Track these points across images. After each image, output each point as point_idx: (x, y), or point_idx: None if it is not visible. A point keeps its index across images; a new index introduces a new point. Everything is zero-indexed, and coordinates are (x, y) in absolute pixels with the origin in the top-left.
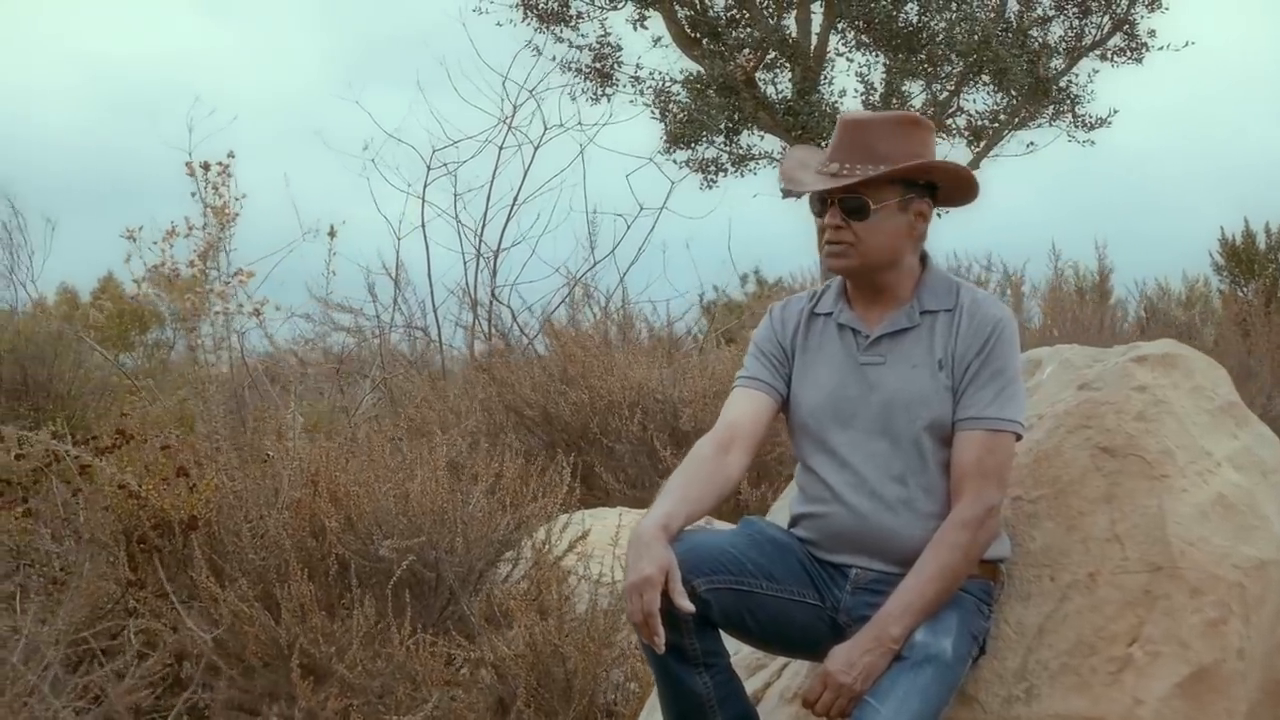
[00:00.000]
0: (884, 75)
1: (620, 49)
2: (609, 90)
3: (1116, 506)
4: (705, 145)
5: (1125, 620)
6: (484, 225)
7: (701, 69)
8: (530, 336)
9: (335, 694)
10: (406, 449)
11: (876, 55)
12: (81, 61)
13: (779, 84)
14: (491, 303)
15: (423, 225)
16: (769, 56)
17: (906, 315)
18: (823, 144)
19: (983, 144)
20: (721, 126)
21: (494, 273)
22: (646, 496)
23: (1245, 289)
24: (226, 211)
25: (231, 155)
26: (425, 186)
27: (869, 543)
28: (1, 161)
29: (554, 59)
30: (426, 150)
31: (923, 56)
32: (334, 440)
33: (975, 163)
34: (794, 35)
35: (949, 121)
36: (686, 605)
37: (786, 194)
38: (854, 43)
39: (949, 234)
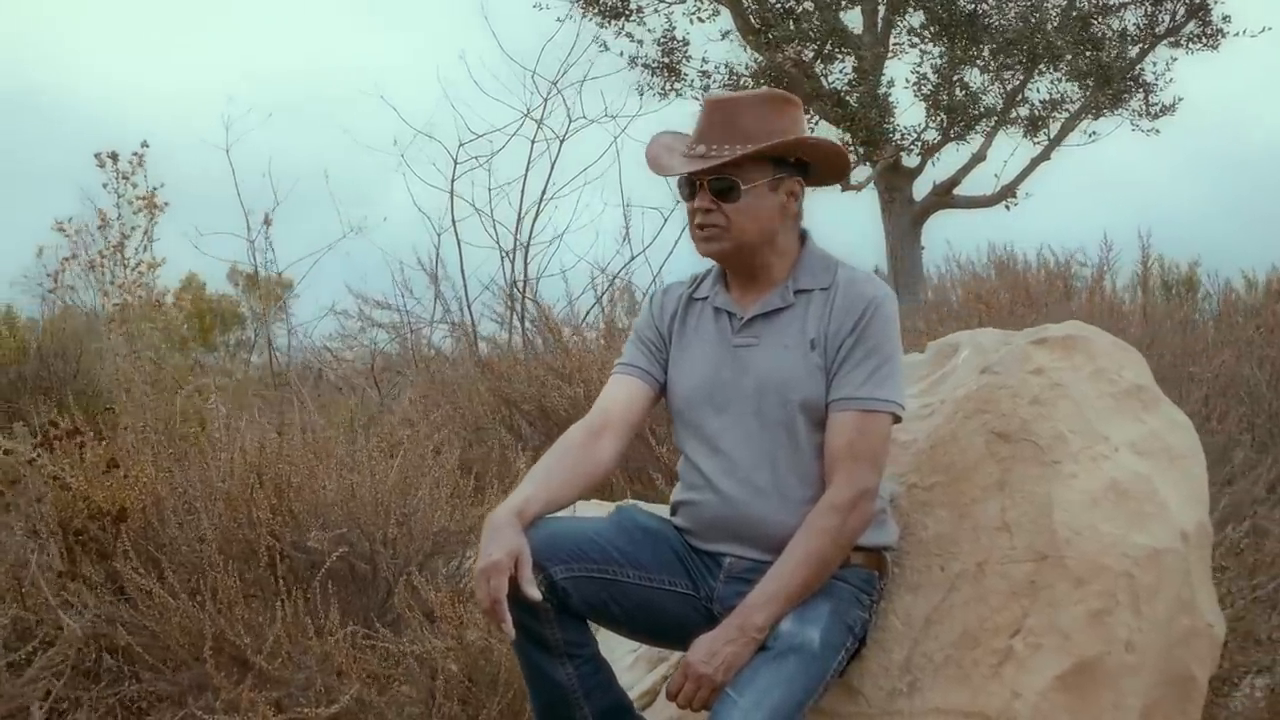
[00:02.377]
0: (938, 65)
1: (687, 43)
2: (676, 85)
3: (1008, 494)
4: None
5: (1009, 611)
6: (519, 219)
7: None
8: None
9: (253, 686)
10: (364, 441)
11: (935, 45)
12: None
13: (833, 75)
14: (523, 298)
15: (453, 220)
16: (826, 48)
17: (780, 295)
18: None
19: (1040, 134)
20: None
21: (525, 267)
22: (646, 490)
23: None
24: (152, 200)
25: (145, 145)
26: (453, 181)
27: (741, 530)
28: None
29: (621, 54)
30: (454, 145)
31: (982, 46)
32: (287, 431)
33: (1046, 153)
34: (845, 27)
35: (1013, 112)
36: (533, 593)
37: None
38: (913, 33)
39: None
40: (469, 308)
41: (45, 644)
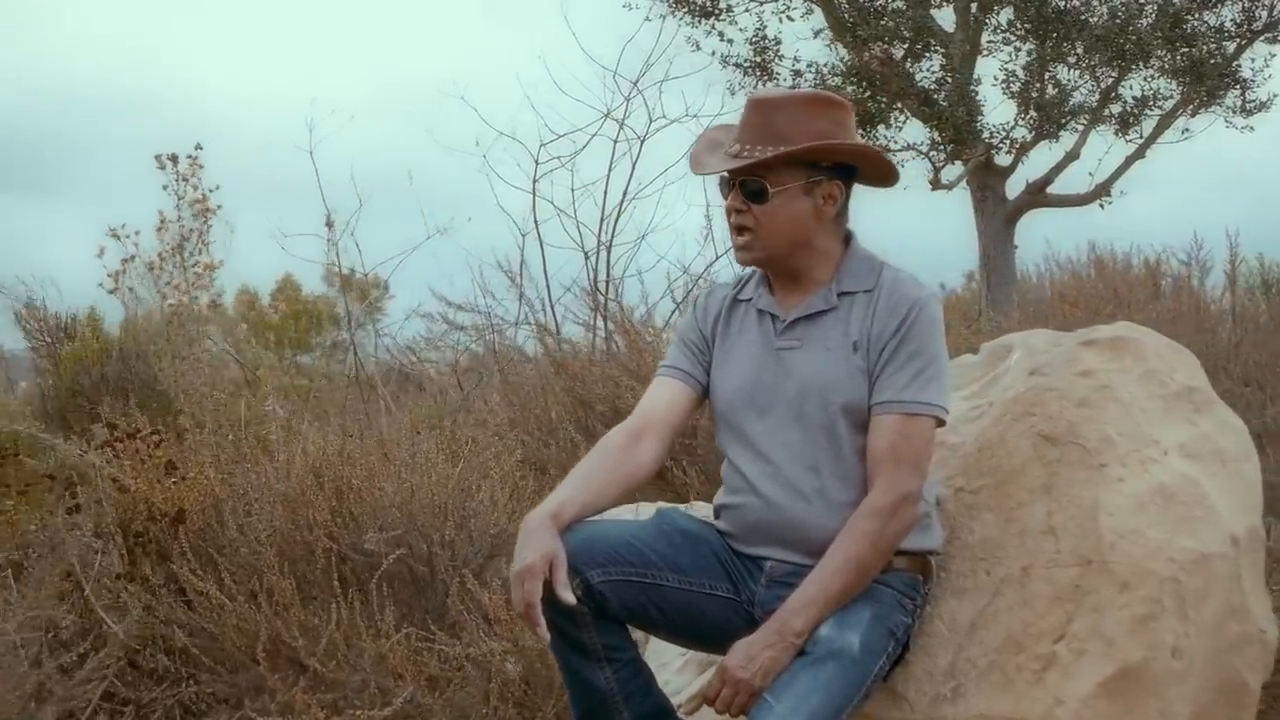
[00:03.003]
0: (1026, 62)
1: (779, 42)
2: (768, 84)
3: (1054, 497)
4: None
5: (1054, 616)
6: (601, 220)
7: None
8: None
9: (308, 688)
10: (427, 443)
11: (1026, 43)
12: None
13: (921, 73)
14: (605, 299)
15: (535, 221)
16: (916, 46)
17: (823, 298)
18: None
19: (1132, 131)
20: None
21: (608, 268)
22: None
23: None
24: (205, 204)
25: (199, 147)
26: (535, 182)
27: (782, 534)
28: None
29: (712, 53)
30: (535, 146)
31: (1074, 43)
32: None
33: (1141, 151)
34: (936, 24)
35: (1106, 110)
36: (567, 597)
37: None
38: (1002, 30)
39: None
40: (551, 309)
41: (96, 646)
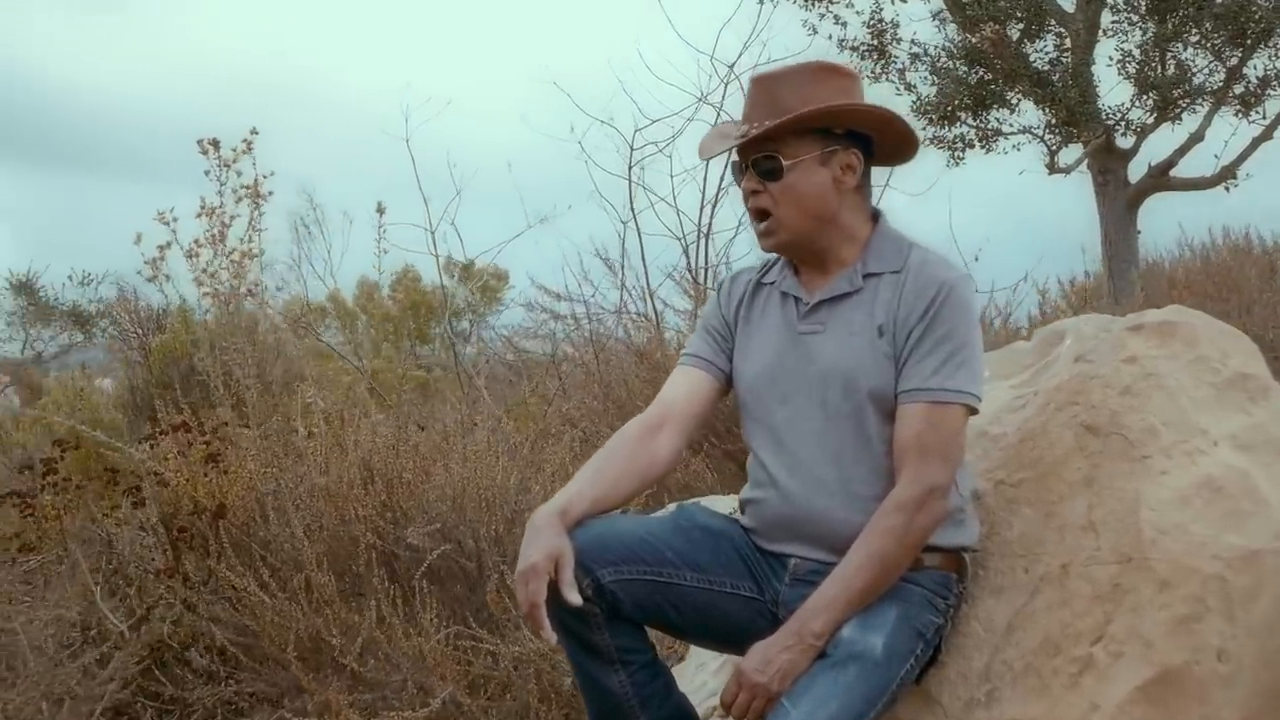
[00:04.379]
0: (1141, 42)
1: (897, 25)
2: (888, 68)
3: (1095, 491)
4: (962, 122)
5: (1092, 617)
6: (701, 207)
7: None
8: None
9: (348, 687)
10: (482, 436)
11: (1146, 22)
12: None
13: (1036, 54)
14: (704, 287)
15: (632, 209)
16: (1033, 26)
17: (848, 279)
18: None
19: (1254, 112)
20: (965, 101)
21: (707, 256)
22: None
23: None
24: (256, 190)
25: (255, 131)
26: (630, 169)
27: (805, 529)
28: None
29: (829, 37)
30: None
31: (1197, 22)
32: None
33: (1268, 133)
34: (1053, 4)
35: (1230, 92)
36: (573, 598)
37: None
38: (1118, 10)
39: None
40: (651, 298)
41: (119, 645)
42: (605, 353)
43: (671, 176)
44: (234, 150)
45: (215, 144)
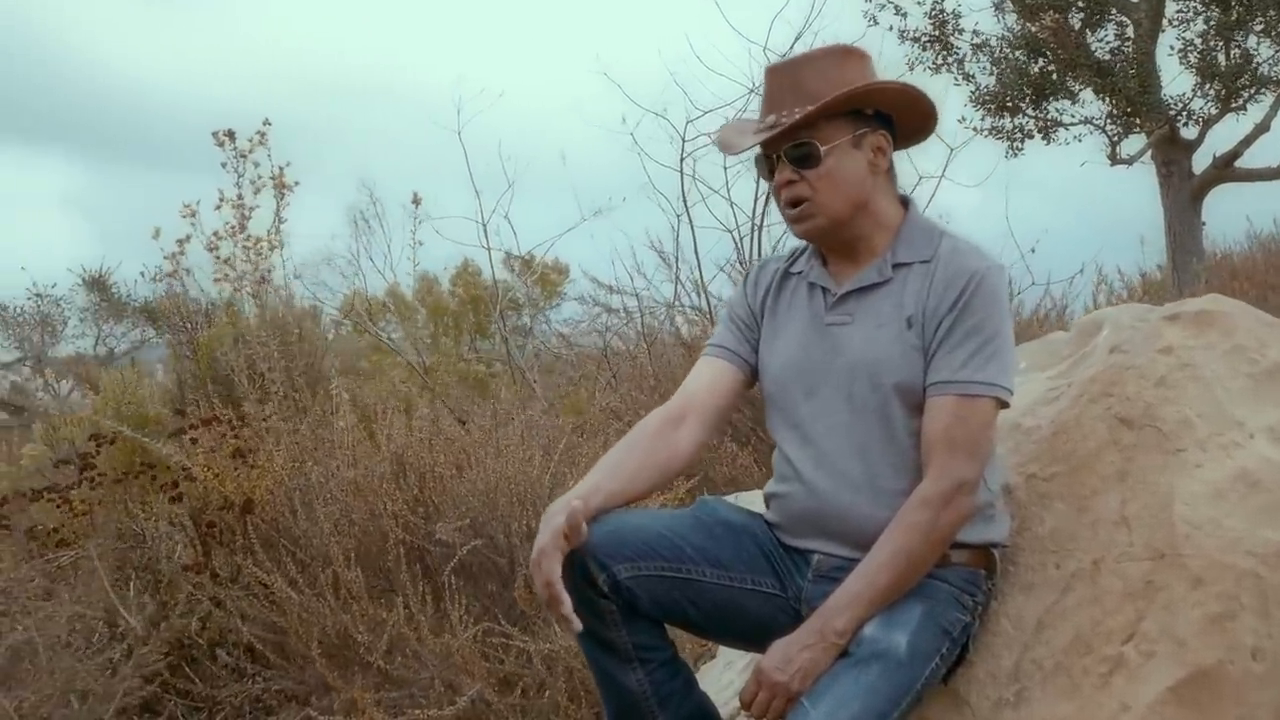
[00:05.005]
0: (1203, 30)
1: (959, 15)
2: (949, 58)
3: (1129, 485)
4: (1022, 113)
5: (1124, 614)
6: (755, 199)
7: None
8: None
9: (373, 685)
10: (515, 430)
11: (1211, 10)
12: None
13: (1097, 43)
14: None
15: (684, 200)
16: (1094, 15)
17: (877, 269)
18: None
19: None
20: (1025, 91)
21: (760, 249)
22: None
23: None
24: (281, 180)
25: (268, 123)
26: (681, 160)
27: (829, 525)
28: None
29: (890, 28)
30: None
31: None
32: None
33: None
34: None
35: None
36: (576, 624)
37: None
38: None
39: None
40: (705, 291)
41: (142, 642)
42: (656, 346)
43: (725, 168)
44: (249, 141)
45: (231, 135)
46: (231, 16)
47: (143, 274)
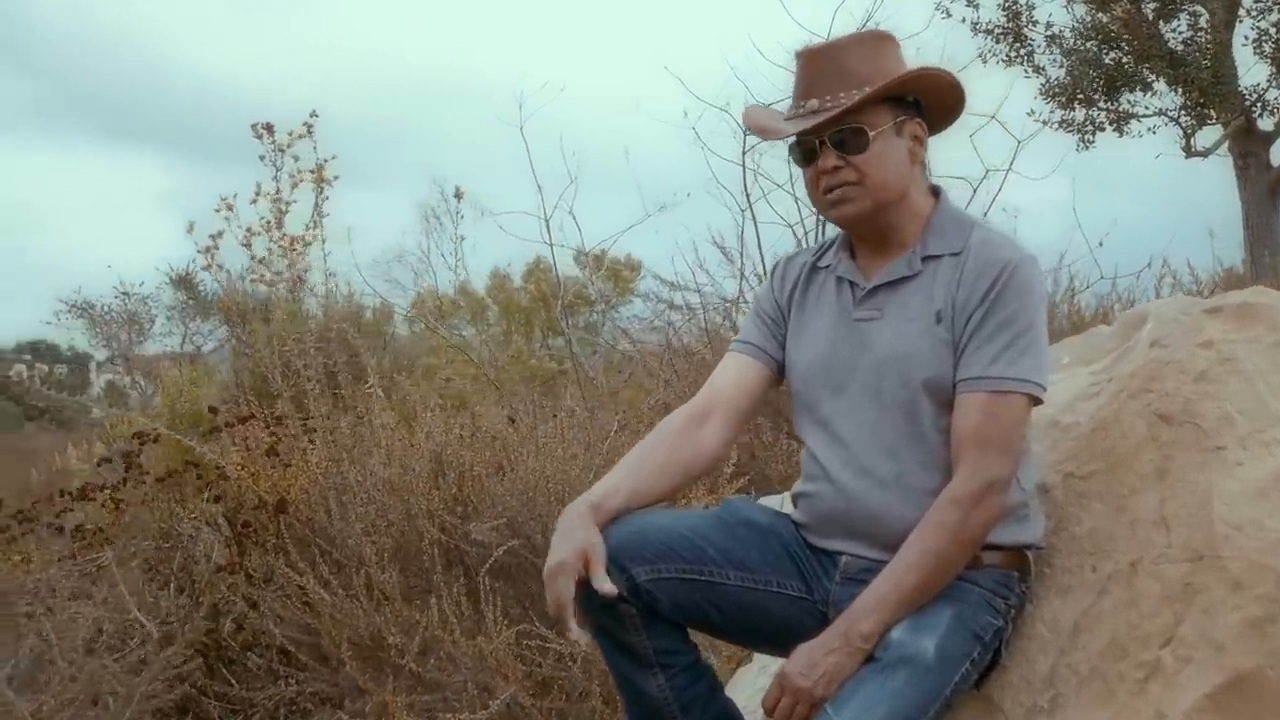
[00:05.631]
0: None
1: (1033, 6)
2: (1022, 50)
3: (1168, 484)
4: (1095, 105)
5: (1161, 618)
6: None
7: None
8: None
9: (406, 688)
10: (561, 427)
11: None
12: None
13: (1170, 33)
14: None
15: (746, 196)
16: (1168, 5)
17: (907, 262)
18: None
19: None
20: (1097, 83)
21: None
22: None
23: None
24: (321, 174)
25: (315, 115)
26: (744, 154)
27: (857, 525)
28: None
29: (963, 20)
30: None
31: None
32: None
33: None
34: None
35: None
36: (607, 588)
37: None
38: None
39: None
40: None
41: (166, 642)
42: (718, 343)
43: (788, 163)
44: (290, 135)
45: (269, 129)
46: (315, 17)
47: (228, 272)
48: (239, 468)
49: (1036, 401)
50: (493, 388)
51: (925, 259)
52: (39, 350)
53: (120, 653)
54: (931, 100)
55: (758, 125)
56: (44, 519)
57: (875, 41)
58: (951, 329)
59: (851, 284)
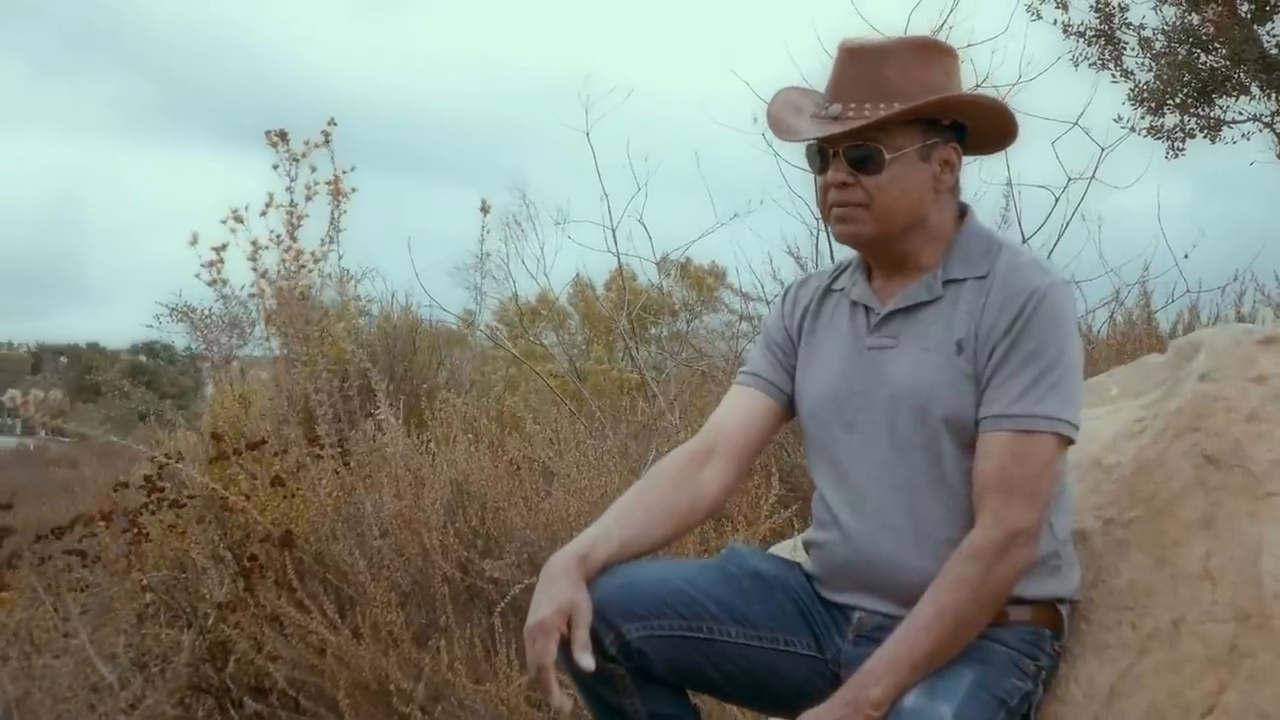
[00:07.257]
0: None
1: (1126, 8)
2: (1115, 54)
3: (1214, 534)
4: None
5: (1204, 684)
6: None
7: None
8: None
9: None
10: (585, 453)
11: None
12: None
13: (1267, 35)
14: None
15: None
16: (1266, 5)
17: (926, 286)
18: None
19: None
20: (1190, 87)
21: None
22: None
23: None
24: (338, 186)
25: (333, 123)
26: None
27: (870, 578)
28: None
29: (1054, 23)
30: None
31: None
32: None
33: None
34: None
35: None
36: (585, 662)
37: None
38: None
39: None
40: None
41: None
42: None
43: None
44: (305, 144)
45: (284, 136)
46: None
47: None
48: (244, 498)
49: (1069, 442)
50: (573, 400)
51: (947, 283)
52: (154, 351)
53: (101, 698)
54: (979, 125)
55: (776, 119)
56: (68, 542)
57: (923, 51)
58: (974, 360)
59: (866, 309)
